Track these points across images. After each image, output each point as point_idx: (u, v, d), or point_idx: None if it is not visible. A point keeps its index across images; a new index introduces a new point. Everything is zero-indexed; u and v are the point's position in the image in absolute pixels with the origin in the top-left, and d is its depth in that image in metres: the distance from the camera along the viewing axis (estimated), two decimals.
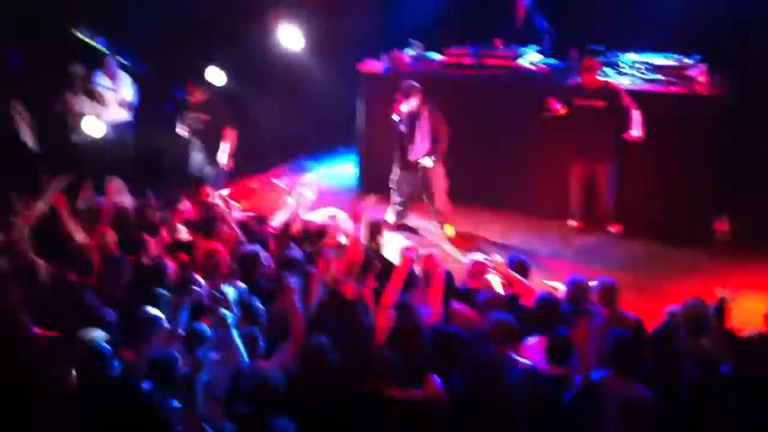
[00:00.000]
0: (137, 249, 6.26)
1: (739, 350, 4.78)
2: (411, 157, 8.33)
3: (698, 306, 5.16)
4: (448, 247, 7.98)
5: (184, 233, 6.90)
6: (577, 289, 5.56)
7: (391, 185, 8.61)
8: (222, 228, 6.65)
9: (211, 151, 9.15)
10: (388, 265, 5.98)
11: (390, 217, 8.51)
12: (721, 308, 5.27)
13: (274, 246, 6.56)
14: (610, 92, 7.91)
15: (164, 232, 6.68)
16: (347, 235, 6.42)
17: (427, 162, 8.26)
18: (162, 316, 5.06)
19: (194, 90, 9.09)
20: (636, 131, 7.71)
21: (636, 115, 7.73)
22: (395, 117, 8.23)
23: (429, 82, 8.99)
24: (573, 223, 8.35)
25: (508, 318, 4.95)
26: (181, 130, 9.26)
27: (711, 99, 7.82)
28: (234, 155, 9.13)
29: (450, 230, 8.36)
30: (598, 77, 8.07)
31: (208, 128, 9.10)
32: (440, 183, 8.35)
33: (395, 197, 8.63)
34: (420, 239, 8.18)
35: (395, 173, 8.55)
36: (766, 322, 5.20)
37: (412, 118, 8.21)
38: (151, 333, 4.96)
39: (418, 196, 8.54)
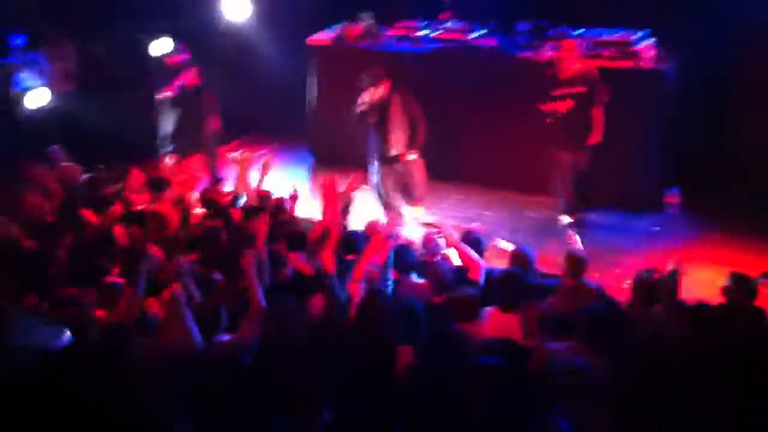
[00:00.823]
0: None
1: (691, 320, 4.91)
2: (390, 152, 7.67)
3: (649, 276, 5.30)
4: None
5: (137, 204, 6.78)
6: (520, 260, 5.66)
7: (373, 188, 7.97)
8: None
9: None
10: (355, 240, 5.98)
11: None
12: (673, 278, 5.42)
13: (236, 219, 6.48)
14: (589, 77, 7.48)
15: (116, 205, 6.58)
16: (325, 212, 6.33)
17: (411, 156, 7.66)
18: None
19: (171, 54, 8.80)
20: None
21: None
22: (360, 107, 7.63)
23: (378, 54, 9.05)
24: (567, 219, 7.83)
25: (471, 292, 5.01)
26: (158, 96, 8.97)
27: (656, 72, 7.96)
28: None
29: (419, 212, 7.86)
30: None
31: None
32: (420, 175, 7.82)
33: (380, 199, 7.95)
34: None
35: (374, 171, 7.90)
36: (723, 295, 5.33)
37: (382, 107, 7.62)
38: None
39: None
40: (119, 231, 5.98)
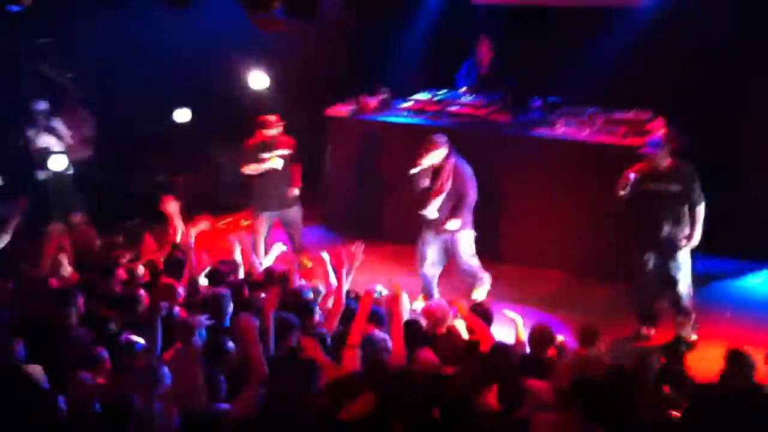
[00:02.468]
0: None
1: (696, 397, 4.88)
2: (430, 216, 7.61)
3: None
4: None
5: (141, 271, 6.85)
6: (538, 333, 5.68)
7: (418, 254, 7.98)
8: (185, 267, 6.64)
9: None
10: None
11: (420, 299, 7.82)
12: (678, 352, 5.42)
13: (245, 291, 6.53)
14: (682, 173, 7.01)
15: (123, 270, 6.66)
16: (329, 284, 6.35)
17: (451, 225, 7.55)
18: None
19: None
20: None
21: None
22: (414, 170, 7.57)
23: (394, 127, 9.23)
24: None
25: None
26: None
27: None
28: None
29: (479, 293, 7.77)
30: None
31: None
32: (467, 248, 7.76)
33: (420, 266, 7.94)
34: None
35: (421, 237, 7.90)
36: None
37: (435, 172, 7.60)
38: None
39: (441, 262, 7.91)
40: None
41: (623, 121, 8.48)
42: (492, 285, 8.00)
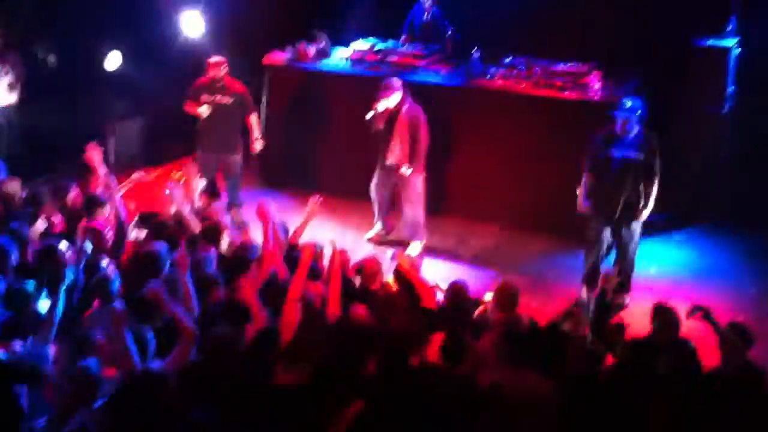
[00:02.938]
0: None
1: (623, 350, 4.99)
2: (388, 161, 7.75)
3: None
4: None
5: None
6: (455, 294, 5.67)
7: (370, 192, 8.13)
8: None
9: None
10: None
11: (371, 232, 8.08)
12: (603, 304, 5.52)
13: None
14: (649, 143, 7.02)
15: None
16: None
17: (404, 170, 7.68)
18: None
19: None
20: None
21: None
22: (369, 114, 7.62)
23: (333, 77, 9.08)
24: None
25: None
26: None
27: (604, 104, 8.04)
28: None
29: (415, 249, 7.81)
30: None
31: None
32: (416, 194, 7.82)
33: (374, 206, 8.11)
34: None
35: (375, 177, 8.03)
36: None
37: (390, 117, 7.66)
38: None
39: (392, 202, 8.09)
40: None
41: (561, 73, 8.46)
42: (429, 238, 8.01)
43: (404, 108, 7.63)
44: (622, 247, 7.09)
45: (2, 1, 9.30)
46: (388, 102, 7.59)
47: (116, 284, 5.32)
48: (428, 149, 7.75)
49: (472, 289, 5.77)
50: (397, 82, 7.70)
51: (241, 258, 5.87)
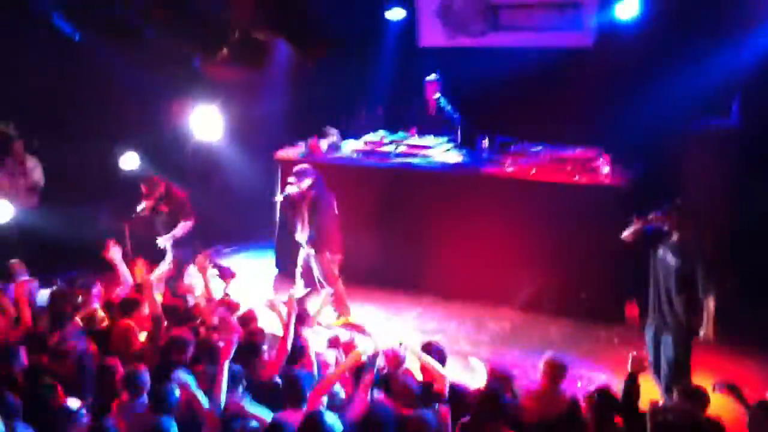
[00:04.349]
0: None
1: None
2: (297, 238, 8.35)
3: (606, 389, 5.36)
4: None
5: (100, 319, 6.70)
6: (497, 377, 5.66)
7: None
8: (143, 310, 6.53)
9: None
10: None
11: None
12: (629, 388, 5.46)
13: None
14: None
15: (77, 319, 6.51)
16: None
17: (309, 249, 8.23)
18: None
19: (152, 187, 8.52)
20: None
21: None
22: (279, 197, 8.32)
23: (345, 169, 9.25)
24: None
25: (426, 417, 4.97)
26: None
27: (614, 187, 8.18)
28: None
29: (338, 321, 8.24)
30: None
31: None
32: (323, 272, 8.20)
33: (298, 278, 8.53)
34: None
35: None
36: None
37: (299, 201, 8.19)
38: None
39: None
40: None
41: (570, 158, 8.60)
42: (445, 325, 8.11)
43: (312, 193, 8.10)
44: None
45: (24, 112, 9.58)
46: (299, 186, 8.06)
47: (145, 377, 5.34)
48: (336, 233, 8.20)
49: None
50: (309, 169, 8.19)
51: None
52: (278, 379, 5.60)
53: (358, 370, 5.60)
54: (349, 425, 4.89)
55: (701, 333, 6.17)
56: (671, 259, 6.29)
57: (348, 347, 6.27)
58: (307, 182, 8.10)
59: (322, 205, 8.15)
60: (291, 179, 8.15)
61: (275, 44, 10.57)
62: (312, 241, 8.20)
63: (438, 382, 5.62)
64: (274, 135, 10.13)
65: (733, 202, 8.56)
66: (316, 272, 8.28)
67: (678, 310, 6.29)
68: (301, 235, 8.29)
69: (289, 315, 6.11)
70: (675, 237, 6.29)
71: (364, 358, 5.54)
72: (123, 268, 7.20)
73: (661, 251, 6.37)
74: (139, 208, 8.51)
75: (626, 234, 6.60)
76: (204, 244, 8.40)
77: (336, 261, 8.30)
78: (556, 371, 5.56)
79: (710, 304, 6.13)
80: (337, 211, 8.24)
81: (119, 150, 9.26)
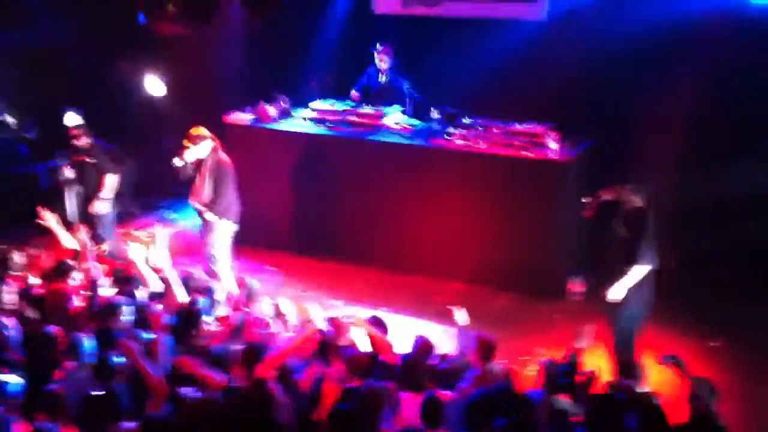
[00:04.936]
0: None
1: (591, 404, 5.01)
2: (192, 203, 8.00)
3: (551, 364, 5.42)
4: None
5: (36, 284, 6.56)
6: (422, 348, 5.74)
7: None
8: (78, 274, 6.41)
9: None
10: None
11: None
12: (572, 364, 5.55)
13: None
14: None
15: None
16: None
17: (209, 216, 7.87)
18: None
19: (78, 133, 8.52)
20: None
21: None
22: (177, 162, 7.85)
23: (294, 137, 9.15)
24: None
25: (376, 385, 4.99)
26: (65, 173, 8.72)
27: (562, 164, 8.24)
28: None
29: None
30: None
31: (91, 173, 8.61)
32: (212, 239, 7.92)
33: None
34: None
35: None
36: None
37: (198, 165, 7.84)
38: None
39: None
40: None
41: (519, 133, 8.63)
42: (391, 297, 8.09)
43: (211, 158, 7.82)
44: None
45: None
46: (197, 151, 7.78)
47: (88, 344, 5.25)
48: (236, 201, 7.95)
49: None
50: (206, 132, 7.88)
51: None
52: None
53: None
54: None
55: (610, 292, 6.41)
56: (620, 231, 6.47)
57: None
58: (204, 146, 7.81)
59: (223, 171, 7.84)
60: (187, 143, 7.80)
61: (224, 1, 10.33)
62: (211, 208, 7.84)
63: (385, 352, 5.66)
64: (222, 97, 9.95)
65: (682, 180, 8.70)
66: (208, 238, 7.94)
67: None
68: (196, 199, 7.93)
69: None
70: (624, 208, 6.48)
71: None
72: (60, 233, 7.03)
73: (614, 223, 6.54)
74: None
75: (585, 212, 6.78)
76: (143, 205, 8.32)
77: (232, 230, 8.04)
78: (485, 350, 5.60)
79: (636, 271, 6.34)
80: (236, 178, 7.96)
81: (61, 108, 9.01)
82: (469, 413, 4.76)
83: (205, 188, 7.82)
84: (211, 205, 7.83)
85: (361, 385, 4.96)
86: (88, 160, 8.55)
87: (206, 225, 7.95)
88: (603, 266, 6.69)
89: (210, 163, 7.81)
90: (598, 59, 8.86)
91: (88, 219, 8.46)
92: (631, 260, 6.39)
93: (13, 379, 4.84)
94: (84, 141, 8.52)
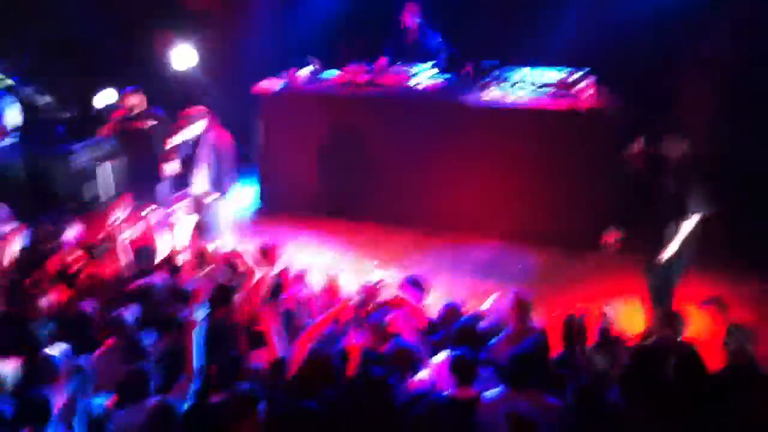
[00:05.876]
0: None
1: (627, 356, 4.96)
2: (192, 191, 7.77)
3: (578, 318, 5.36)
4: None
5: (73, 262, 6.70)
6: (449, 313, 5.74)
7: None
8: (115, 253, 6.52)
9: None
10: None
11: None
12: (607, 318, 5.48)
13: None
14: None
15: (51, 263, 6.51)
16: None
17: (209, 199, 7.75)
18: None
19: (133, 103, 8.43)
20: None
21: None
22: (173, 141, 7.78)
23: (325, 99, 9.10)
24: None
25: (406, 345, 4.98)
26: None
27: (596, 112, 8.03)
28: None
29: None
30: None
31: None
32: (221, 217, 7.87)
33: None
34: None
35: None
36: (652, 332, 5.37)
37: (196, 143, 7.76)
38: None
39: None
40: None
41: (554, 84, 8.43)
42: (428, 254, 8.06)
43: (209, 135, 7.70)
44: None
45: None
46: (191, 130, 7.67)
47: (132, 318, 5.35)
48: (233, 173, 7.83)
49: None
50: (201, 109, 7.76)
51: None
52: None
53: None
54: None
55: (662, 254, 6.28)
56: (666, 182, 6.33)
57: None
58: (200, 125, 7.72)
59: (223, 147, 7.76)
60: (182, 123, 7.74)
61: None
62: (216, 185, 7.75)
63: (418, 318, 5.65)
64: (254, 67, 9.93)
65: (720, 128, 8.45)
66: (214, 220, 7.80)
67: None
68: (201, 179, 7.79)
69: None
70: (669, 159, 6.31)
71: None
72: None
73: (659, 174, 6.38)
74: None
75: (629, 154, 6.61)
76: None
77: (235, 203, 8.06)
78: (522, 310, 5.53)
79: (687, 224, 6.19)
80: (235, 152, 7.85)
81: (98, 86, 9.13)
82: (505, 371, 4.72)
83: (206, 166, 7.72)
84: (215, 181, 7.73)
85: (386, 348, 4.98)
86: (142, 126, 8.40)
87: (210, 201, 7.80)
88: (650, 219, 6.54)
89: (207, 143, 7.70)
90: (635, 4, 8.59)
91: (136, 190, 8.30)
92: (682, 212, 6.26)
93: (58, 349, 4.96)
94: (138, 108, 8.41)
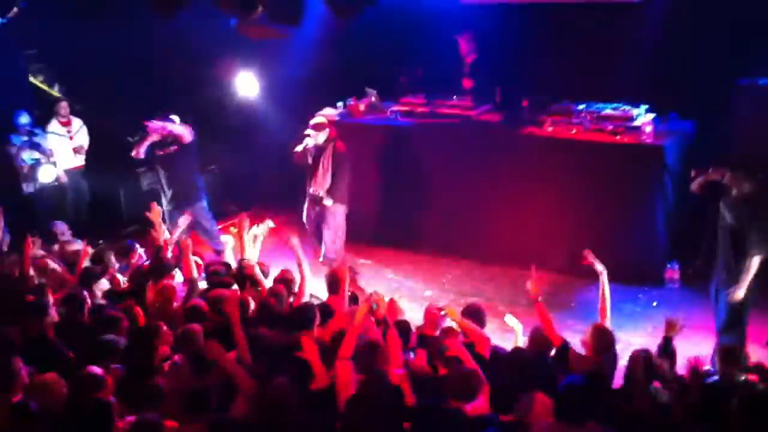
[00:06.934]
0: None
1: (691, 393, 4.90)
2: (311, 190, 8.37)
3: (644, 354, 5.29)
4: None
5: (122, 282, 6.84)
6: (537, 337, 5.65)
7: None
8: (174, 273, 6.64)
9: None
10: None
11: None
12: (667, 351, 5.42)
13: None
14: None
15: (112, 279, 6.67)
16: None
17: (326, 201, 8.31)
18: None
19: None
20: None
21: None
22: (298, 148, 8.31)
23: (383, 130, 9.22)
24: None
25: (470, 371, 4.99)
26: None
27: (656, 147, 8.01)
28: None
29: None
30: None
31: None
32: (334, 223, 8.37)
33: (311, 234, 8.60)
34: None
35: (304, 208, 8.62)
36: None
37: (318, 152, 8.29)
38: None
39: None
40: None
41: (611, 117, 8.44)
42: (482, 288, 8.13)
43: (331, 144, 8.24)
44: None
45: (69, 73, 9.71)
46: (317, 138, 8.22)
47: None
48: (350, 185, 8.36)
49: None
50: (326, 121, 8.38)
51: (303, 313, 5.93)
52: None
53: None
54: None
55: (733, 294, 6.14)
56: (727, 216, 6.25)
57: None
58: (324, 134, 8.23)
59: (342, 158, 8.25)
60: (308, 131, 8.24)
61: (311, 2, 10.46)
62: (330, 193, 8.26)
63: (480, 344, 5.63)
64: (313, 96, 10.10)
65: None
66: (329, 224, 8.34)
67: (732, 268, 6.23)
68: (317, 187, 8.32)
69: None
70: (733, 193, 6.23)
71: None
72: (161, 228, 7.30)
73: (721, 206, 6.32)
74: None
75: (693, 186, 6.58)
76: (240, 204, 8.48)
77: (344, 214, 8.43)
78: (603, 340, 5.41)
79: (752, 264, 6.06)
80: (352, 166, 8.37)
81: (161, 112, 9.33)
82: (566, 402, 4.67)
83: (324, 175, 8.24)
84: (330, 191, 8.24)
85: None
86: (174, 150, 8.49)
87: (323, 211, 8.33)
88: (708, 252, 6.47)
89: (328, 152, 8.23)
90: (694, 38, 8.55)
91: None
92: (739, 251, 6.15)
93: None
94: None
